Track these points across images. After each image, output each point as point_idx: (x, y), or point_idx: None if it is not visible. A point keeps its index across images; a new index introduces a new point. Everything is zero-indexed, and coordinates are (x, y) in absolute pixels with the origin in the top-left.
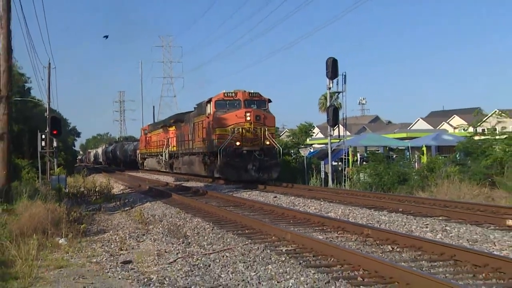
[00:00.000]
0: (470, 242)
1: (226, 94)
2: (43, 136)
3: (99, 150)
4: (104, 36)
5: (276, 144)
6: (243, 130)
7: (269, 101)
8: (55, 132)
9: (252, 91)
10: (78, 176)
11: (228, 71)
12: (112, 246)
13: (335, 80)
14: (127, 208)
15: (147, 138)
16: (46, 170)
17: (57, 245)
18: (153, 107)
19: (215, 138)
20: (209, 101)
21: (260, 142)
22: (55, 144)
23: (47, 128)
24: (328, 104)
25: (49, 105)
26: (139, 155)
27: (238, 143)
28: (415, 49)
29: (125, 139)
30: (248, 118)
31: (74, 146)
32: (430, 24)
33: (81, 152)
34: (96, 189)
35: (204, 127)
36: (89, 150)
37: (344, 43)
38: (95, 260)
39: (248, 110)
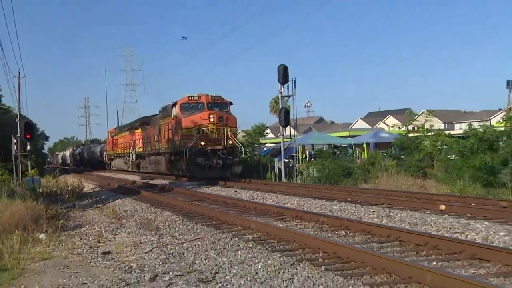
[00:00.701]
0: (411, 225)
1: (190, 98)
2: (15, 141)
3: (67, 153)
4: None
5: (238, 143)
6: (207, 131)
7: (230, 103)
8: (28, 136)
9: (214, 95)
10: (49, 177)
11: (187, 77)
12: (90, 239)
13: (285, 85)
14: (99, 205)
15: (114, 140)
16: (19, 172)
17: (38, 240)
18: (117, 112)
19: (181, 138)
20: (174, 104)
21: (223, 141)
22: (28, 147)
23: (18, 133)
24: (280, 106)
25: (20, 112)
26: (106, 156)
27: (203, 143)
28: (355, 54)
29: (91, 141)
30: (212, 120)
31: (43, 149)
32: (366, 31)
33: (49, 155)
34: (69, 188)
35: (169, 129)
36: (57, 153)
37: (291, 50)
38: (76, 252)
39: (211, 112)
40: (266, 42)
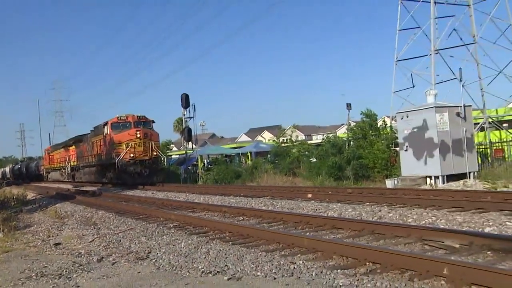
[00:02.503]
0: (289, 209)
1: (119, 118)
2: None
3: (7, 169)
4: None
5: (161, 155)
6: (135, 145)
7: (153, 121)
8: None
9: (139, 115)
10: None
11: (109, 102)
12: (41, 235)
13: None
14: (43, 209)
15: (50, 156)
16: None
17: None
18: (49, 134)
19: (113, 152)
20: (106, 124)
21: (149, 153)
22: None
23: None
24: (184, 126)
25: None
26: (44, 169)
27: (132, 155)
28: (239, 80)
29: (28, 159)
30: (138, 135)
31: None
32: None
33: None
34: (14, 197)
35: (101, 144)
36: None
37: (187, 79)
38: (32, 245)
39: (138, 129)
40: (173, 76)
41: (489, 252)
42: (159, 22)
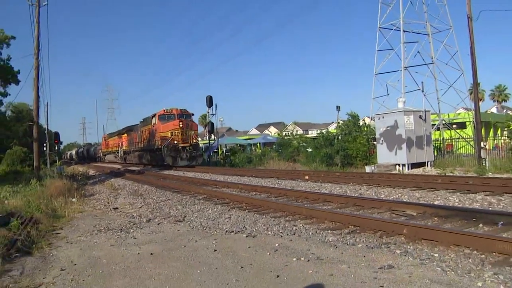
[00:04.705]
0: (291, 187)
1: (165, 111)
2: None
3: (73, 152)
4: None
5: (199, 142)
6: (178, 133)
7: (193, 114)
8: (56, 142)
9: (182, 108)
10: (66, 167)
11: (146, 101)
12: (102, 201)
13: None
14: (101, 182)
15: (107, 142)
16: (47, 163)
17: (71, 202)
18: (103, 125)
19: (160, 139)
20: (154, 115)
21: (189, 141)
22: (56, 148)
23: (46, 140)
24: (208, 121)
25: (47, 127)
26: (101, 152)
27: (175, 142)
28: (250, 82)
29: (88, 144)
30: (181, 125)
31: (59, 149)
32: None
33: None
34: (80, 173)
35: (150, 133)
36: (66, 152)
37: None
38: (97, 208)
39: (181, 120)
40: (198, 82)
41: (436, 218)
42: (188, 36)
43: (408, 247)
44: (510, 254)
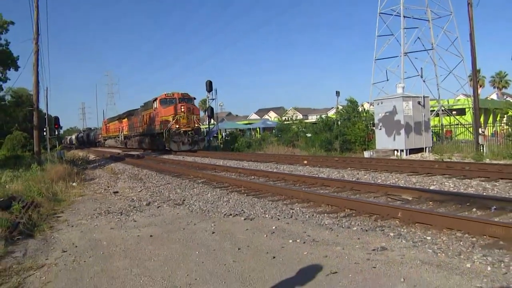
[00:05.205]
0: (290, 171)
1: (166, 95)
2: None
3: (73, 137)
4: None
5: (201, 126)
6: (180, 118)
7: (194, 98)
8: (56, 126)
9: (183, 92)
10: (66, 151)
11: (144, 87)
12: (102, 185)
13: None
14: (101, 167)
15: (107, 126)
16: (47, 148)
17: (72, 186)
18: (103, 110)
19: (161, 123)
20: (155, 99)
21: (191, 125)
22: (56, 132)
23: (46, 125)
24: (208, 106)
25: (47, 112)
26: (101, 137)
27: (177, 126)
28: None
29: (88, 129)
30: (183, 109)
31: (59, 134)
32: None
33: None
34: (80, 157)
35: (151, 117)
36: (66, 136)
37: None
38: (97, 192)
39: (182, 104)
40: (201, 66)
41: (431, 202)
42: (186, 24)
43: (402, 230)
44: (500, 237)
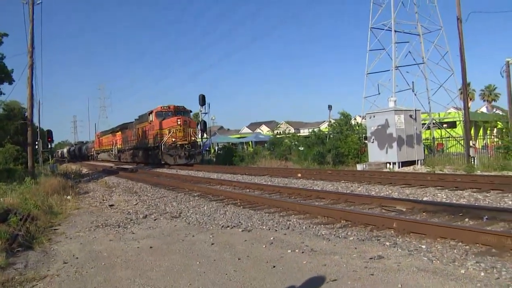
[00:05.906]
0: (284, 184)
1: (162, 107)
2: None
3: (65, 150)
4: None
5: (197, 139)
6: (176, 131)
7: (190, 111)
8: (49, 140)
9: (179, 105)
10: (58, 164)
11: (136, 101)
12: (97, 198)
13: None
14: (95, 180)
15: (100, 140)
16: (40, 161)
17: (67, 199)
18: (95, 124)
19: (157, 136)
20: (151, 112)
21: (188, 138)
22: (49, 146)
23: (38, 138)
24: (200, 119)
25: (39, 125)
26: (94, 151)
27: (173, 139)
28: (243, 82)
29: (80, 142)
30: (179, 122)
31: (51, 148)
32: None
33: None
34: (73, 171)
35: (146, 130)
36: (57, 150)
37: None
38: (93, 205)
39: (178, 117)
40: (193, 80)
41: (424, 213)
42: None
43: (398, 239)
44: (493, 245)
